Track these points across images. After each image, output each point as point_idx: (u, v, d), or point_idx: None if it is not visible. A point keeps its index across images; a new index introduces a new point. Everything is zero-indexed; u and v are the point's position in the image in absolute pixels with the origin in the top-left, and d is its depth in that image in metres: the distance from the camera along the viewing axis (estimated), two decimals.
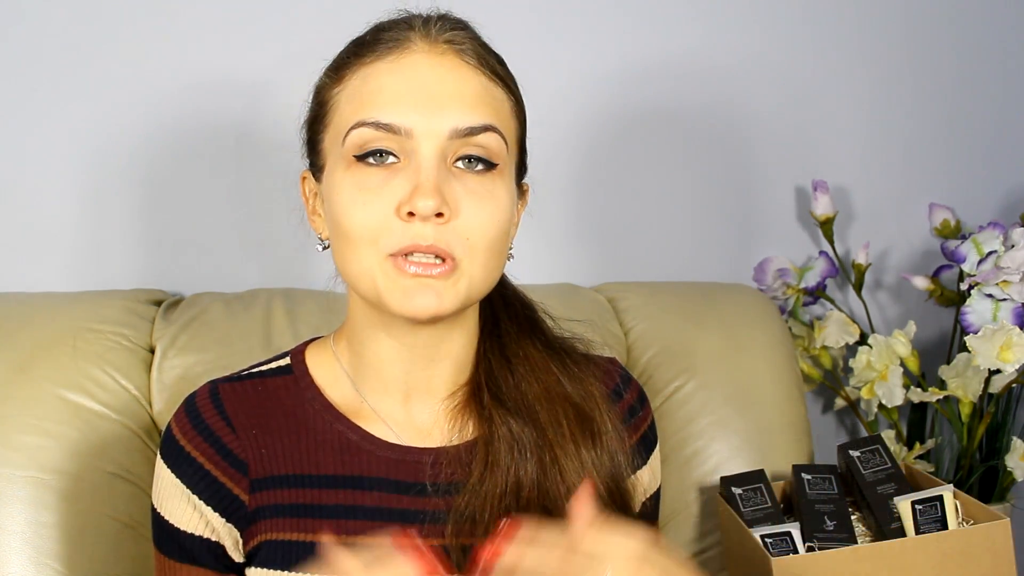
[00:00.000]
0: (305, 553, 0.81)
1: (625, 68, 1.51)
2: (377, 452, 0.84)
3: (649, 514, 0.95)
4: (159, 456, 0.85)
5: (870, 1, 1.59)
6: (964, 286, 1.39)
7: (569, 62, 1.49)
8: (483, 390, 0.85)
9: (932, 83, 1.64)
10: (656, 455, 0.95)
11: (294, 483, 0.83)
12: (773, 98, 1.58)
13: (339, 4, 1.29)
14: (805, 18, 1.57)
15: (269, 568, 0.81)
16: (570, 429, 0.84)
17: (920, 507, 1.10)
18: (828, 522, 1.13)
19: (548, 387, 0.86)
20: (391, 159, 0.76)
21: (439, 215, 0.74)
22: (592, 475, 0.83)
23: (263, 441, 0.83)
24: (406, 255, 0.75)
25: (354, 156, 0.77)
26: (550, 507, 0.81)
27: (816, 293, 1.56)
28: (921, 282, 1.56)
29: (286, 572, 0.81)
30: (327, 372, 0.88)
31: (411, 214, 0.74)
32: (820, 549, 1.09)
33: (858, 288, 1.58)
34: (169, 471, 0.83)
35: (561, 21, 1.48)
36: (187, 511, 0.83)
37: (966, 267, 1.39)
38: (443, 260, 0.75)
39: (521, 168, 0.86)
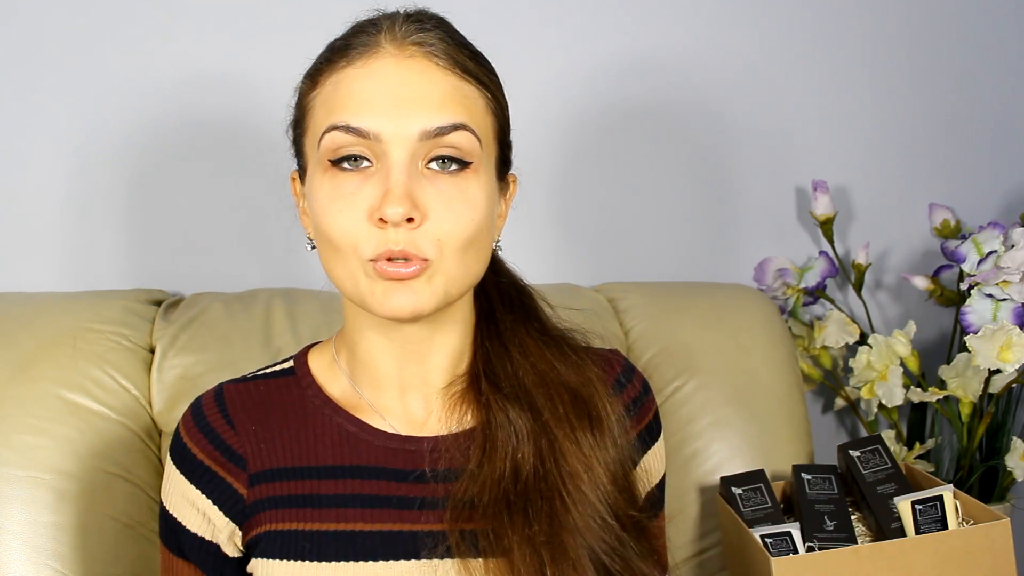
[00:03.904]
0: (304, 542, 0.82)
1: (625, 66, 1.51)
2: (375, 442, 0.85)
3: (656, 503, 0.95)
4: (168, 454, 0.89)
5: (871, 1, 1.59)
6: (964, 286, 1.39)
7: (571, 60, 1.49)
8: (481, 378, 0.86)
9: (932, 83, 1.64)
10: (661, 443, 0.96)
11: (293, 475, 0.85)
12: (773, 97, 1.57)
13: (337, 2, 1.29)
14: (806, 17, 1.57)
15: (269, 558, 0.83)
16: (567, 413, 0.85)
17: (920, 507, 1.10)
18: (828, 522, 1.13)
19: (544, 373, 0.87)
20: (365, 163, 0.78)
21: (409, 220, 0.75)
22: (594, 460, 0.84)
23: (263, 436, 0.86)
24: (383, 259, 0.76)
25: (329, 161, 0.78)
26: (549, 493, 0.82)
27: (816, 293, 1.56)
28: (921, 282, 1.56)
29: (285, 561, 0.82)
30: (327, 371, 0.90)
31: (383, 220, 0.75)
32: (820, 549, 1.09)
33: (858, 288, 1.57)
34: (175, 468, 0.87)
35: (559, 15, 1.48)
36: (190, 511, 0.86)
37: (966, 267, 1.38)
38: (415, 261, 0.77)
39: (504, 162, 0.86)
